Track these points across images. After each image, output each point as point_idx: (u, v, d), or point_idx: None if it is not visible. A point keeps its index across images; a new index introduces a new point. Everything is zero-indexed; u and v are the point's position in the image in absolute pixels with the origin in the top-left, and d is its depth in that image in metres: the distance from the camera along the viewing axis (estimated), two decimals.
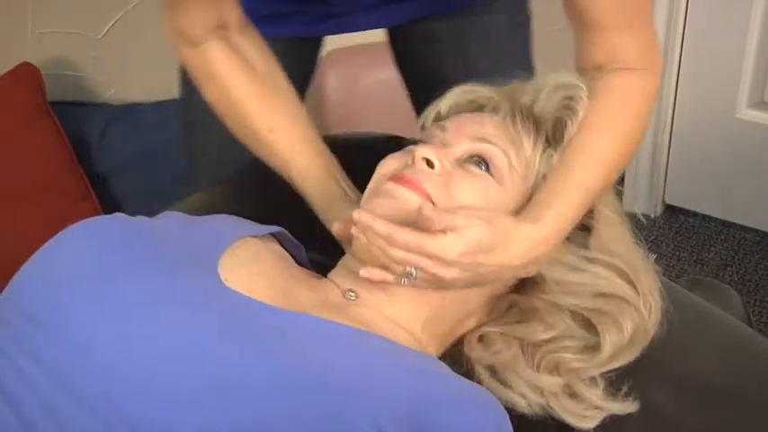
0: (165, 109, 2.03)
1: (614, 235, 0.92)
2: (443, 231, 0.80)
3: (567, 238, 0.89)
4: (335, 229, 0.94)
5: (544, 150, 0.91)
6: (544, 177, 0.90)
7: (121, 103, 2.03)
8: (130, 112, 2.01)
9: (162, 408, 0.69)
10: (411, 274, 0.82)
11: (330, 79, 2.12)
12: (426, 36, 1.27)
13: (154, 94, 2.05)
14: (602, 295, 0.89)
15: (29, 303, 0.76)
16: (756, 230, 2.24)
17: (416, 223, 0.81)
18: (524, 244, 0.84)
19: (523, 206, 0.88)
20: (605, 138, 0.91)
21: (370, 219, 0.80)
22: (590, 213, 0.91)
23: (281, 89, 1.04)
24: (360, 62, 2.12)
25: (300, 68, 1.28)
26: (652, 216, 2.31)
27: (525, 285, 0.90)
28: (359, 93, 2.13)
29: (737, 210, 2.25)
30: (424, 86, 1.18)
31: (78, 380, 0.70)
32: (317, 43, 1.33)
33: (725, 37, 2.06)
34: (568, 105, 0.91)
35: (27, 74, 1.87)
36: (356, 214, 0.81)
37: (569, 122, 0.90)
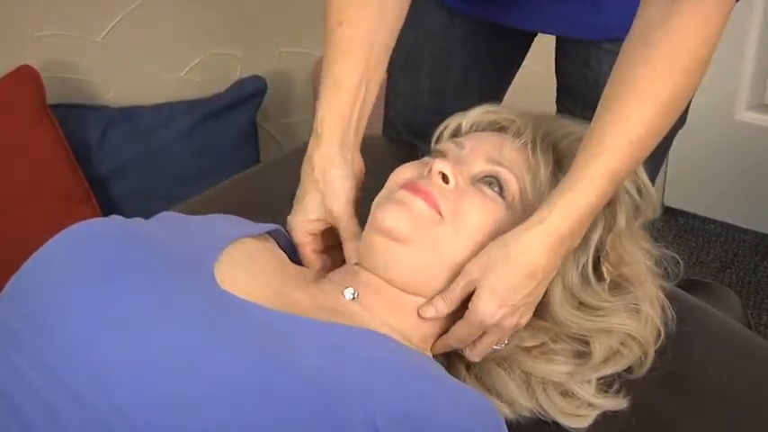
0: (164, 111, 2.03)
1: (624, 247, 0.91)
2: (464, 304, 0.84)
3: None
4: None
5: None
6: None
7: (121, 106, 2.02)
8: (130, 114, 2.01)
9: (160, 410, 0.69)
10: (500, 348, 0.88)
11: None
12: (588, 60, 1.23)
13: (153, 96, 2.05)
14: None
15: (26, 305, 0.76)
16: (755, 233, 2.23)
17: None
18: (539, 248, 0.82)
19: None
20: (636, 112, 0.84)
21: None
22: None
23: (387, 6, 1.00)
24: None
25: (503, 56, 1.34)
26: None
27: None
28: None
29: (737, 212, 2.25)
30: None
31: (77, 382, 0.70)
32: (525, 36, 1.32)
33: (724, 39, 2.05)
34: None
35: (27, 76, 1.87)
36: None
37: None
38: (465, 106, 0.99)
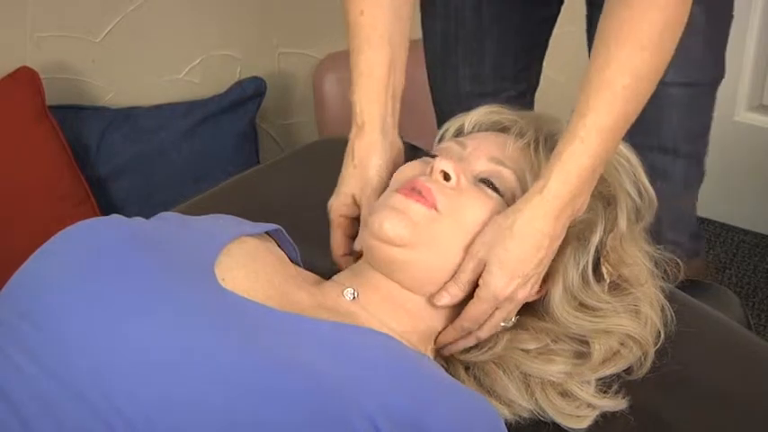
0: (163, 112, 2.03)
1: (625, 249, 0.91)
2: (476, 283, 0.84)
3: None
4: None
5: None
6: None
7: (120, 107, 2.02)
8: (129, 115, 2.01)
9: (159, 408, 0.69)
10: (508, 325, 0.88)
11: (328, 82, 2.12)
12: None
13: (153, 97, 2.05)
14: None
15: (27, 304, 0.76)
16: (755, 233, 2.23)
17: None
18: (542, 216, 0.83)
19: None
20: (616, 59, 0.84)
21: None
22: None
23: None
24: None
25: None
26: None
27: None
28: None
29: (736, 212, 2.25)
30: None
31: (76, 381, 0.70)
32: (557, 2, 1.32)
33: None
34: None
35: (26, 77, 1.86)
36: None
37: None
38: (503, 87, 0.98)
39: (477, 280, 0.85)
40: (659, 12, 0.84)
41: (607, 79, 0.83)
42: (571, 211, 0.85)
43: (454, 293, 0.86)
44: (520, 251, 0.83)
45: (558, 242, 0.86)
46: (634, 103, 0.85)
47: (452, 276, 0.86)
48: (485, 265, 0.84)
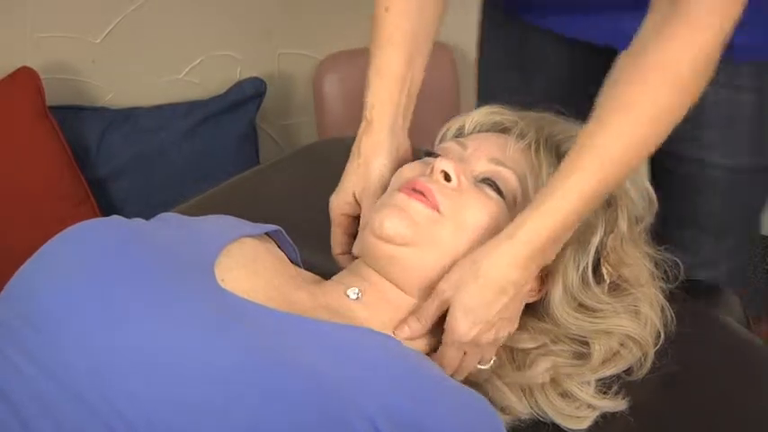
0: (163, 113, 2.03)
1: (625, 249, 0.91)
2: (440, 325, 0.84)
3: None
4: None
5: None
6: None
7: (120, 107, 2.02)
8: (129, 116, 2.01)
9: (160, 411, 0.69)
10: (486, 366, 0.88)
11: (328, 83, 2.12)
12: None
13: (153, 98, 2.05)
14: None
15: (26, 305, 0.76)
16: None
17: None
18: (508, 264, 0.81)
19: None
20: (612, 127, 0.81)
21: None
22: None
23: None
24: (358, 66, 2.12)
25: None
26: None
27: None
28: (357, 97, 2.13)
29: None
30: None
31: (76, 382, 0.70)
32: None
33: None
34: None
35: (26, 78, 1.86)
36: None
37: None
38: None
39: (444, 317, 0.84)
40: (669, 93, 0.81)
41: (599, 144, 0.81)
42: (541, 261, 0.83)
43: (415, 328, 0.85)
44: (483, 297, 0.82)
45: (525, 290, 0.84)
46: (626, 171, 0.83)
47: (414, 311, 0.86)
48: (449, 305, 0.83)
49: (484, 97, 1.30)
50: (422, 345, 0.88)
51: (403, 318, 0.87)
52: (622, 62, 0.83)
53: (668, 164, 1.18)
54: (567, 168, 0.82)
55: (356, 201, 0.96)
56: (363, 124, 0.97)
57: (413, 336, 0.86)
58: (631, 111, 0.81)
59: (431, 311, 0.85)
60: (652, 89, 0.81)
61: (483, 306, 0.82)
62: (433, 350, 0.90)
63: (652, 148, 0.83)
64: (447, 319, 0.83)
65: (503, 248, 0.81)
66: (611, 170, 0.82)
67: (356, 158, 0.97)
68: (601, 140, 0.81)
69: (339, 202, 0.97)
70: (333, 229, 0.98)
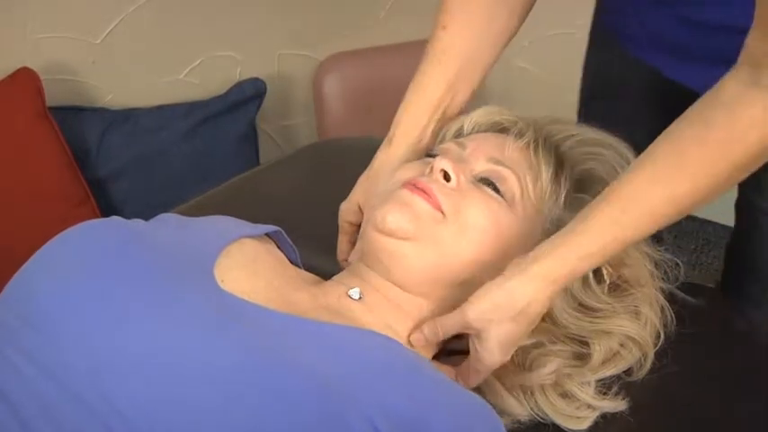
0: (163, 114, 2.03)
1: (625, 250, 0.91)
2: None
3: None
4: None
5: (562, 186, 0.90)
6: (559, 221, 0.88)
7: (120, 108, 2.02)
8: (129, 116, 2.01)
9: (160, 411, 0.69)
10: None
11: (328, 84, 2.12)
12: None
13: (152, 98, 2.05)
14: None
15: (25, 305, 0.76)
16: None
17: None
18: (543, 301, 0.82)
19: (536, 238, 0.87)
20: (666, 190, 0.78)
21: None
22: None
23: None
24: (358, 66, 2.12)
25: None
26: None
27: None
28: (357, 97, 2.13)
29: None
30: None
31: (76, 383, 0.70)
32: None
33: None
34: (593, 167, 0.91)
35: (26, 79, 1.86)
36: None
37: (593, 174, 0.90)
38: None
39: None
40: (726, 168, 0.76)
41: (647, 198, 0.78)
42: (564, 283, 0.83)
43: (432, 340, 0.86)
44: (519, 332, 0.83)
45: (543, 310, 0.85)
46: (661, 226, 0.81)
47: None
48: (478, 334, 0.83)
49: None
50: (426, 349, 0.88)
51: (406, 316, 0.87)
52: (691, 116, 0.78)
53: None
54: (580, 224, 0.81)
55: (360, 210, 0.97)
56: (385, 140, 0.99)
57: (425, 344, 0.87)
58: (686, 169, 0.77)
59: (452, 329, 0.85)
60: (710, 160, 0.76)
61: (517, 339, 0.84)
62: (435, 353, 0.90)
63: (696, 207, 0.80)
64: (478, 348, 0.84)
65: (539, 285, 0.81)
66: (652, 226, 0.81)
67: (368, 170, 0.99)
68: (650, 193, 0.79)
69: (346, 210, 0.99)
70: (339, 236, 1.00)
